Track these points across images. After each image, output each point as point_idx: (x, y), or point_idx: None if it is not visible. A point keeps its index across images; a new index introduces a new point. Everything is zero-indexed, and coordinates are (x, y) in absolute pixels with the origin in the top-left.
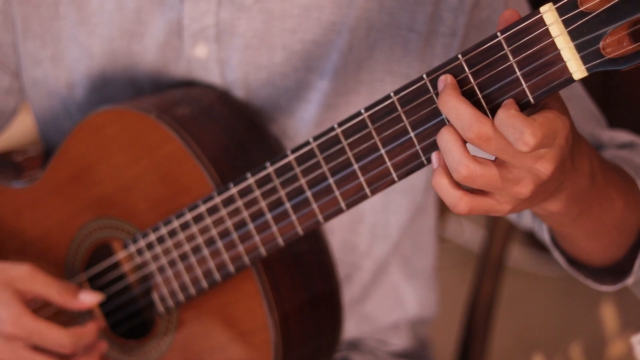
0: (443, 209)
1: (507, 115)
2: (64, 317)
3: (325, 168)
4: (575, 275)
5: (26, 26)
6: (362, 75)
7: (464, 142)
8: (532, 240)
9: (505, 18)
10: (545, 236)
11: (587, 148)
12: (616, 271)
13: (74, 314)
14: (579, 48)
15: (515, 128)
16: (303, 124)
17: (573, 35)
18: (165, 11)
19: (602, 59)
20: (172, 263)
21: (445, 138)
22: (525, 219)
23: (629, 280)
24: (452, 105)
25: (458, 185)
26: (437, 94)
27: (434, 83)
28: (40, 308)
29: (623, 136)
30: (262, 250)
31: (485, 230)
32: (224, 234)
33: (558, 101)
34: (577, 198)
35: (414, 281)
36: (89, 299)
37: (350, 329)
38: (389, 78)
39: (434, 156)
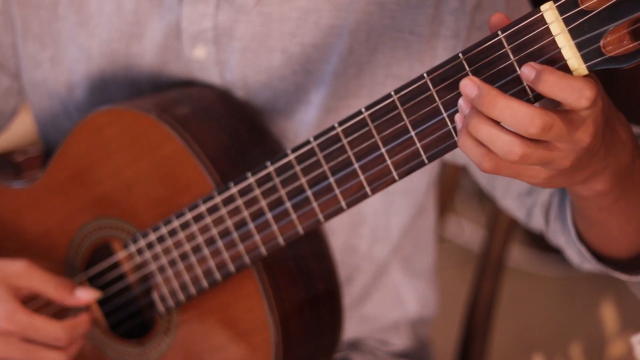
0: (443, 209)
1: (559, 77)
2: (53, 310)
3: (325, 167)
4: (595, 269)
5: (26, 27)
6: (363, 78)
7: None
8: (532, 240)
9: (494, 23)
10: (571, 230)
11: (627, 123)
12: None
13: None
14: (580, 46)
15: (574, 87)
16: (303, 127)
17: (573, 33)
18: (163, 13)
19: (602, 57)
20: (172, 262)
21: (486, 129)
22: (537, 220)
23: None
24: (504, 105)
25: (482, 144)
26: (437, 92)
27: (435, 81)
28: (41, 308)
29: (636, 129)
30: (263, 250)
31: (485, 230)
32: (224, 233)
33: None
34: (621, 174)
35: (414, 281)
36: (86, 295)
37: (351, 329)
38: (390, 81)
39: (456, 117)
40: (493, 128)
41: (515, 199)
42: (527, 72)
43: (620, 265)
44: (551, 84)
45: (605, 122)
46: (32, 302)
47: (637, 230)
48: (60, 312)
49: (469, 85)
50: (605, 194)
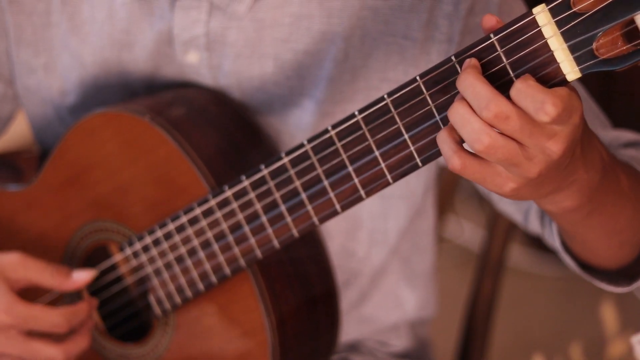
0: (442, 209)
1: (526, 86)
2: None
3: (319, 170)
4: (588, 280)
5: (19, 34)
6: (358, 83)
7: None
8: (532, 240)
9: (486, 26)
10: (555, 241)
11: (598, 143)
12: (631, 272)
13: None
14: (573, 49)
15: (536, 98)
16: (298, 131)
17: (566, 36)
18: (155, 21)
19: (595, 60)
20: (168, 265)
21: (460, 111)
22: (533, 223)
23: None
24: (469, 83)
25: (455, 143)
26: (430, 95)
27: (427, 84)
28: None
29: (627, 135)
30: (258, 253)
31: (485, 230)
32: (220, 236)
33: (569, 85)
34: (589, 193)
35: (413, 282)
36: (83, 276)
37: (350, 330)
38: (385, 86)
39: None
40: (467, 112)
41: (512, 203)
42: None
43: (609, 275)
44: (517, 90)
45: (580, 139)
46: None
47: (619, 242)
48: (55, 303)
49: (466, 62)
50: (573, 211)
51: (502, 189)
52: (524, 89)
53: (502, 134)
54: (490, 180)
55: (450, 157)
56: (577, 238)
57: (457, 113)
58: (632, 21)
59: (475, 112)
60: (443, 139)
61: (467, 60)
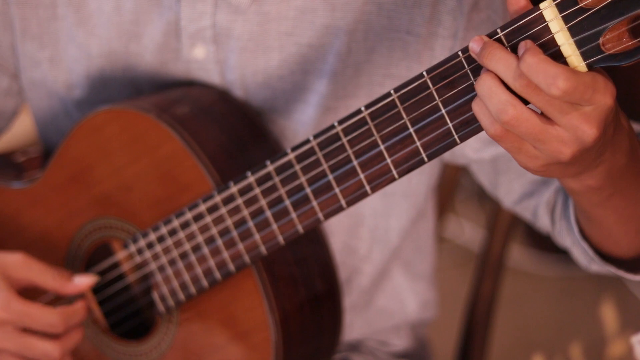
0: (443, 209)
1: (537, 61)
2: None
3: (325, 166)
4: (602, 270)
5: (24, 27)
6: (361, 78)
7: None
8: (532, 240)
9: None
10: (573, 227)
11: (627, 124)
12: None
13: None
14: (579, 44)
15: (548, 73)
16: (301, 126)
17: (573, 31)
18: (162, 12)
19: (602, 55)
20: (172, 262)
21: (487, 82)
22: (543, 219)
23: None
24: (501, 55)
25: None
26: (436, 91)
27: (434, 80)
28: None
29: (636, 127)
30: (263, 249)
31: (485, 230)
32: (224, 233)
33: (596, 68)
34: (614, 174)
35: (414, 283)
36: (84, 281)
37: (353, 330)
38: (389, 81)
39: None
40: (493, 84)
41: (518, 201)
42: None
43: (625, 264)
44: (528, 65)
45: (612, 121)
46: (27, 294)
47: (637, 230)
48: (54, 302)
49: (476, 41)
50: (596, 190)
51: (533, 162)
52: (535, 64)
53: (529, 108)
54: (525, 151)
55: (490, 124)
56: (595, 221)
57: (485, 85)
58: (639, 16)
59: (507, 83)
60: (477, 109)
61: (478, 39)
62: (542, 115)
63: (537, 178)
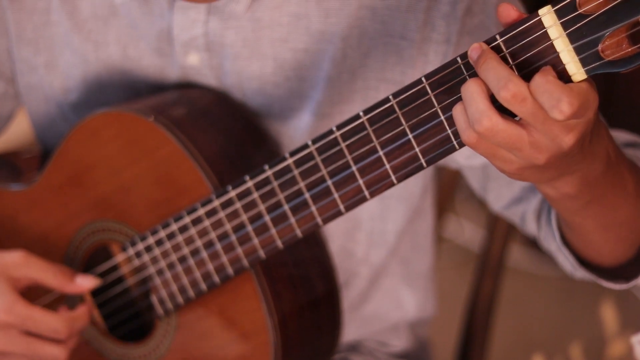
0: (442, 209)
1: (545, 81)
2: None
3: (323, 171)
4: (585, 277)
5: (19, 32)
6: (356, 83)
7: (490, 98)
8: (532, 240)
9: (502, 14)
10: (555, 234)
11: (606, 133)
12: (627, 272)
13: (67, 301)
14: (578, 50)
15: (553, 95)
16: (298, 133)
17: (572, 37)
18: (155, 20)
19: (601, 62)
20: (170, 266)
21: (470, 89)
22: (530, 226)
23: None
24: (492, 65)
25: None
26: (435, 96)
27: (433, 86)
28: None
29: (624, 136)
30: (261, 253)
31: (485, 230)
32: (223, 237)
33: (589, 79)
34: (590, 182)
35: (412, 283)
36: (86, 282)
37: (350, 331)
38: (383, 86)
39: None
40: (476, 91)
41: (507, 206)
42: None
43: (608, 273)
44: (535, 85)
45: (590, 132)
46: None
47: (617, 237)
48: (54, 302)
49: (475, 49)
50: (573, 197)
51: (508, 166)
52: (543, 84)
53: (505, 119)
54: (499, 156)
55: (465, 130)
56: (575, 228)
57: (468, 90)
58: (638, 23)
59: (493, 92)
60: (457, 111)
61: (476, 47)
62: (519, 122)
63: (526, 185)
